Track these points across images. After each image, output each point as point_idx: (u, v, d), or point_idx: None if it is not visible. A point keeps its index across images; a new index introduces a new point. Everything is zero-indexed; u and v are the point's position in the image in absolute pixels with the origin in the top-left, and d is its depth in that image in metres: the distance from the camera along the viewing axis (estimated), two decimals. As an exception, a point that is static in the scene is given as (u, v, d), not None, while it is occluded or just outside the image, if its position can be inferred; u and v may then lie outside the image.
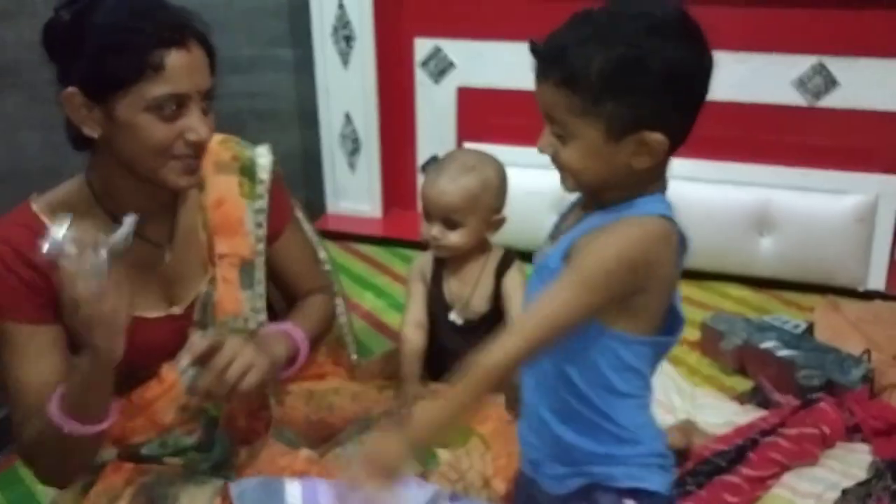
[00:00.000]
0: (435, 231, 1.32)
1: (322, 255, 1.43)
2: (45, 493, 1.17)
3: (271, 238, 1.17)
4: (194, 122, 0.95)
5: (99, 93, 0.92)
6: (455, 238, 1.32)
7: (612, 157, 0.85)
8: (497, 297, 1.36)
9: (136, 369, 1.06)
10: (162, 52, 0.90)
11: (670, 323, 0.90)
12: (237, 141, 1.15)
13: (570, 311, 0.85)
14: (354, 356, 1.49)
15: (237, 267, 1.11)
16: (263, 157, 1.16)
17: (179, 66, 0.92)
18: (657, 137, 0.83)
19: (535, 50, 0.86)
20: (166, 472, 1.07)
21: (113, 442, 1.10)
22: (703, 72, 0.85)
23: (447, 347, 1.39)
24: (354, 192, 2.46)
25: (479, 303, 1.37)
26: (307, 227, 1.38)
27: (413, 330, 1.41)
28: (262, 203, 1.14)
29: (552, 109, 0.86)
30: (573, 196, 0.97)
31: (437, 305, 1.40)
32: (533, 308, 0.87)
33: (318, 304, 1.23)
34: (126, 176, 0.99)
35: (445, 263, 1.40)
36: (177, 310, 1.08)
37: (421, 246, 1.47)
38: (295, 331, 1.12)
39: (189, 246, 1.09)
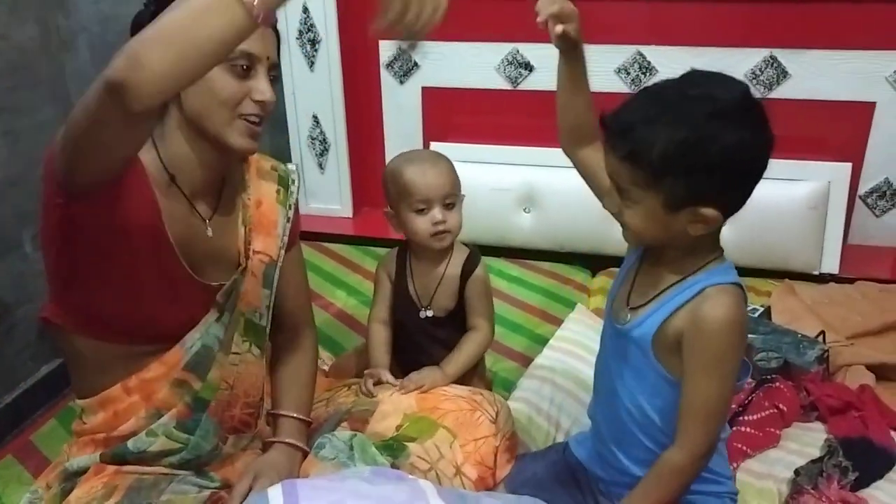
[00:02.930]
0: (439, 214, 1.33)
1: None
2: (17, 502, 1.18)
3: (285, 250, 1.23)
4: (262, 84, 1.02)
5: None
6: (455, 219, 1.36)
7: (670, 224, 0.92)
8: (462, 294, 1.39)
9: (153, 336, 1.07)
10: None
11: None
12: (272, 158, 1.26)
13: (729, 397, 0.98)
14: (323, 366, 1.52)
15: (264, 265, 1.18)
16: (294, 174, 1.26)
17: None
18: (711, 213, 0.90)
19: (604, 123, 0.93)
20: (150, 477, 1.08)
21: (100, 440, 1.10)
22: (761, 153, 0.91)
23: (414, 341, 1.43)
24: (324, 192, 2.48)
25: (445, 298, 1.40)
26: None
27: (378, 326, 1.45)
28: (290, 213, 1.23)
29: (616, 177, 0.93)
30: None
31: (403, 301, 1.43)
32: (698, 411, 0.96)
33: (308, 366, 1.27)
34: (192, 140, 1.04)
35: (410, 259, 1.43)
36: (209, 283, 1.11)
37: (392, 243, 1.50)
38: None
39: (227, 235, 1.15)
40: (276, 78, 1.06)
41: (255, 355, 1.17)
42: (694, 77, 0.93)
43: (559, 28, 0.98)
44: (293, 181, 1.25)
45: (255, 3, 0.76)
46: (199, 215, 1.10)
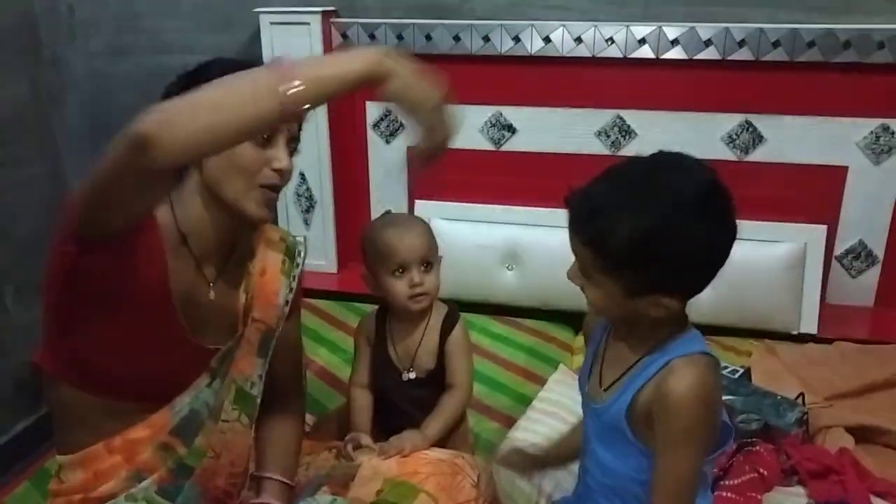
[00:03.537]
0: (417, 277, 1.35)
1: None
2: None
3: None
4: (281, 154, 1.05)
5: None
6: (433, 280, 1.37)
7: (632, 307, 0.93)
8: (443, 353, 1.40)
9: (142, 394, 1.06)
10: None
11: (723, 434, 1.00)
12: (283, 228, 1.27)
13: (698, 470, 0.95)
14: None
15: (261, 333, 1.18)
16: (301, 246, 1.28)
17: None
18: (670, 301, 0.91)
19: (569, 204, 0.93)
20: None
21: (76, 502, 1.07)
22: (722, 246, 0.91)
23: (395, 403, 1.43)
24: (310, 248, 2.46)
25: (426, 359, 1.41)
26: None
27: (359, 391, 1.45)
28: (293, 284, 1.24)
29: (579, 257, 0.94)
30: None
31: (383, 365, 1.43)
32: (670, 486, 0.95)
33: (295, 432, 1.28)
34: (208, 204, 1.06)
35: (390, 322, 1.44)
36: (205, 345, 1.11)
37: (376, 300, 1.50)
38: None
39: (229, 300, 1.16)
40: (295, 150, 1.08)
41: (244, 424, 1.16)
42: (660, 162, 0.93)
43: None
44: (300, 252, 1.26)
45: (287, 99, 0.81)
46: (204, 277, 1.11)
